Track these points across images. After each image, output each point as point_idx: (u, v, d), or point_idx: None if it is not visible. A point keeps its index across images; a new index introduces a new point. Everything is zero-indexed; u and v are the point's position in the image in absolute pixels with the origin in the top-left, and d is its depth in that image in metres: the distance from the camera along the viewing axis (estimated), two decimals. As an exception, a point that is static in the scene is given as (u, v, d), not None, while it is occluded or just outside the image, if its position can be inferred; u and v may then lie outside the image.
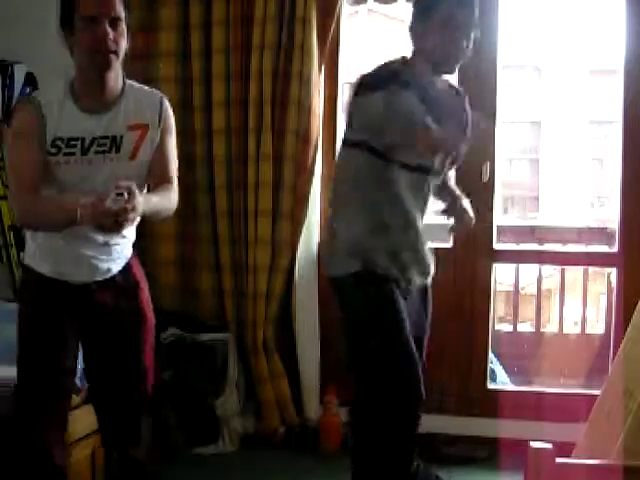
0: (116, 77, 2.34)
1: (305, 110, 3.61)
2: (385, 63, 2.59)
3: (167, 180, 2.45)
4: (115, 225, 2.17)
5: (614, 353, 3.37)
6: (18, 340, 2.49)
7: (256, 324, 3.71)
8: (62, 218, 2.25)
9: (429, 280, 2.74)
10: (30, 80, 3.78)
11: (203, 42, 3.69)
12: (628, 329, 2.98)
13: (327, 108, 3.81)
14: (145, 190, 2.42)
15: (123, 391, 2.54)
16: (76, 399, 2.82)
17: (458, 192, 2.76)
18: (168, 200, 2.43)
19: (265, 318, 3.71)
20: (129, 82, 2.41)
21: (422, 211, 2.65)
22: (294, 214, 3.68)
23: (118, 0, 2.28)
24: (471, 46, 2.55)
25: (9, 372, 2.90)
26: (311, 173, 3.69)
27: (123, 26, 2.29)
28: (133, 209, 2.16)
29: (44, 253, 2.43)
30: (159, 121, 2.41)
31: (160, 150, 2.42)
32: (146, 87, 2.48)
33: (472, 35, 2.54)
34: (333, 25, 3.64)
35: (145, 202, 2.25)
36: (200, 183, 3.74)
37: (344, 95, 3.90)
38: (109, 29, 2.25)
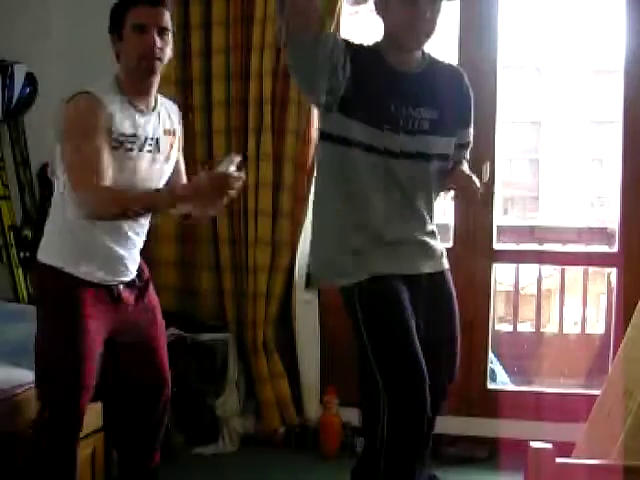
0: (157, 83, 2.51)
1: (305, 110, 3.61)
2: None
3: (182, 180, 2.67)
4: (221, 190, 2.39)
5: (614, 353, 3.37)
6: (44, 347, 2.48)
7: (256, 324, 3.71)
8: (148, 202, 2.42)
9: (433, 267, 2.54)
10: (30, 80, 3.78)
11: (203, 42, 3.69)
12: (628, 329, 2.98)
13: (327, 108, 3.81)
14: None
15: (143, 397, 2.62)
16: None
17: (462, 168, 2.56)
18: None
19: (265, 318, 3.71)
20: (158, 94, 2.58)
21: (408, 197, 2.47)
22: (294, 214, 3.68)
23: (167, 12, 2.45)
24: (437, 18, 2.39)
25: (9, 372, 2.92)
26: (311, 173, 3.68)
27: (169, 36, 2.46)
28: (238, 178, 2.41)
29: (79, 249, 2.46)
30: (180, 129, 2.64)
31: (179, 155, 2.65)
32: (166, 96, 2.67)
33: (437, 6, 2.37)
34: (333, 25, 3.64)
35: None
36: (200, 183, 3.74)
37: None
38: (157, 38, 2.40)
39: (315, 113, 3.63)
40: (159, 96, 2.57)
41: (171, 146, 2.57)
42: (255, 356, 3.72)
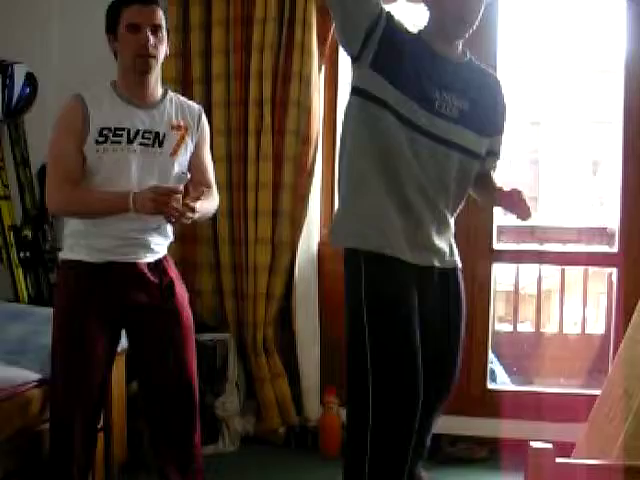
0: (156, 80, 2.57)
1: (305, 110, 3.61)
2: None
3: (208, 184, 2.69)
4: (170, 208, 2.35)
5: (614, 353, 3.37)
6: (55, 340, 2.59)
7: (256, 324, 3.71)
8: (108, 205, 2.44)
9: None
10: (30, 80, 3.78)
11: (203, 42, 3.70)
12: (628, 329, 2.98)
13: (327, 108, 3.82)
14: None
15: (168, 399, 2.62)
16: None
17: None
18: (210, 203, 2.65)
19: (265, 318, 3.71)
20: (172, 93, 2.66)
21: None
22: (294, 214, 3.68)
23: (159, 10, 2.49)
24: (481, 10, 2.38)
25: (9, 372, 2.92)
26: (311, 173, 3.69)
27: (163, 33, 2.51)
28: (196, 198, 2.41)
29: (89, 231, 2.52)
30: (197, 129, 2.64)
31: (199, 158, 2.67)
32: (186, 98, 2.73)
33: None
34: (333, 25, 3.64)
35: (200, 204, 2.47)
36: (200, 183, 3.74)
37: (344, 95, 3.90)
38: (150, 36, 2.46)
39: (315, 113, 3.64)
40: (174, 95, 2.64)
41: (179, 142, 2.58)
42: (255, 356, 3.72)
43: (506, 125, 2.58)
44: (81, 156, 2.47)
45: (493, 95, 2.53)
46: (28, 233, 3.81)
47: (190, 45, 3.70)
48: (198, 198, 2.43)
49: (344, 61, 3.88)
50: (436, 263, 2.43)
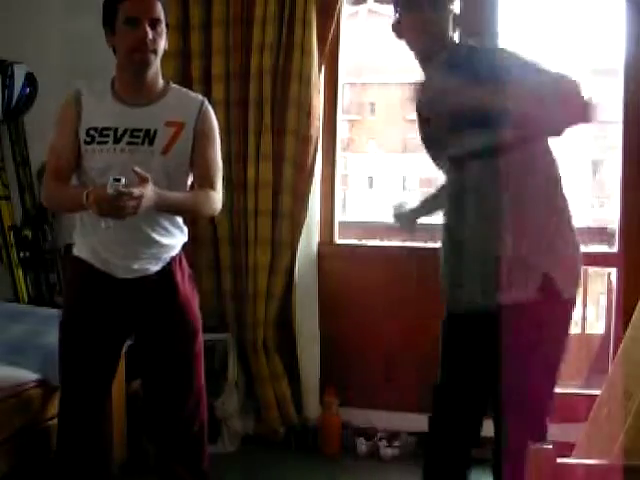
0: (155, 75, 2.49)
1: (305, 110, 3.61)
2: None
3: (208, 183, 2.52)
4: (113, 210, 2.24)
5: (614, 353, 3.36)
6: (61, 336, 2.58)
7: (256, 324, 3.71)
8: (74, 203, 2.37)
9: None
10: (30, 80, 3.78)
11: (203, 42, 3.69)
12: (628, 329, 2.98)
13: (327, 108, 3.82)
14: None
15: (171, 403, 2.60)
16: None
17: None
18: (203, 200, 2.51)
19: (265, 318, 3.71)
20: (175, 85, 2.58)
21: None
22: (294, 214, 3.68)
23: (158, 3, 2.43)
24: (438, 20, 2.33)
25: (9, 372, 2.92)
26: (311, 173, 3.69)
27: (162, 27, 2.43)
28: (131, 195, 2.22)
29: (88, 234, 2.50)
30: (196, 122, 2.50)
31: (200, 154, 2.51)
32: (191, 92, 2.66)
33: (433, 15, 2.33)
34: (333, 25, 3.64)
35: (159, 196, 2.32)
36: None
37: (344, 95, 3.90)
38: (149, 30, 2.38)
39: (315, 113, 3.64)
40: (176, 89, 2.56)
41: (173, 138, 2.46)
42: (255, 356, 3.72)
43: None
44: (72, 152, 2.45)
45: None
46: (28, 233, 3.82)
47: (190, 45, 3.70)
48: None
49: (344, 61, 3.89)
50: None
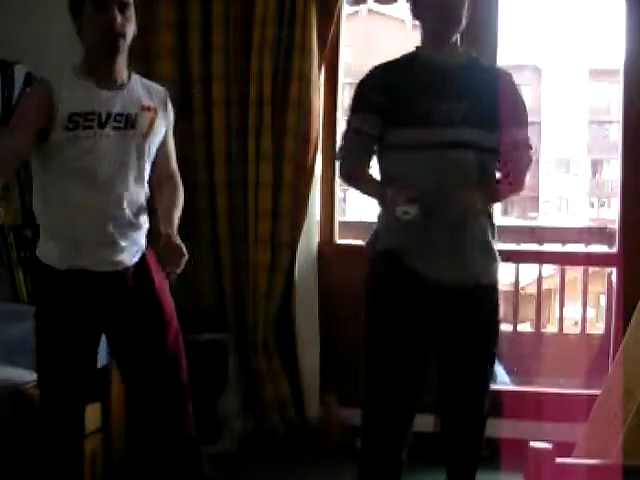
0: (124, 61, 2.46)
1: (305, 110, 3.61)
2: None
3: (172, 173, 2.60)
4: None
5: (614, 353, 3.37)
6: (36, 342, 2.51)
7: (256, 324, 3.71)
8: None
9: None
10: (30, 80, 3.77)
11: (203, 42, 3.69)
12: (628, 329, 2.99)
13: (327, 108, 3.81)
14: (147, 189, 2.53)
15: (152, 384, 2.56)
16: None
17: None
18: (179, 204, 2.57)
19: (265, 318, 3.71)
20: (135, 74, 2.54)
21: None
22: (294, 214, 3.68)
23: None
24: (461, 10, 2.53)
25: (9, 372, 2.92)
26: (311, 173, 3.69)
27: (131, 11, 2.40)
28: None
29: (57, 233, 2.45)
30: (165, 111, 2.55)
31: (165, 143, 2.56)
32: (151, 81, 2.61)
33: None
34: (333, 25, 3.64)
35: (173, 232, 2.43)
36: (200, 183, 3.73)
37: (344, 95, 3.90)
38: (118, 14, 2.35)
39: (315, 113, 3.64)
40: (134, 74, 2.52)
41: (151, 122, 2.48)
42: (255, 356, 3.72)
43: (522, 115, 2.66)
44: (30, 140, 2.36)
45: (501, 90, 2.59)
46: (28, 233, 3.81)
47: (189, 45, 3.70)
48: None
49: (344, 61, 3.89)
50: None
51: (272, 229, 3.68)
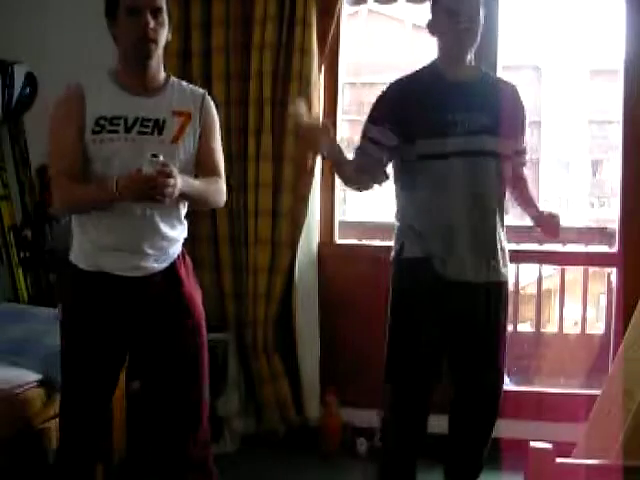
0: (157, 65, 2.46)
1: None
2: None
3: (216, 174, 2.56)
4: (152, 191, 2.24)
5: (614, 353, 3.37)
6: (62, 349, 2.52)
7: (256, 324, 3.71)
8: (101, 196, 2.34)
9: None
10: (30, 80, 3.78)
11: (203, 42, 3.69)
12: (628, 329, 2.98)
13: (327, 108, 3.81)
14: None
15: (173, 403, 2.53)
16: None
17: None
18: (215, 188, 2.54)
19: (265, 318, 3.71)
20: (175, 78, 2.54)
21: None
22: (294, 214, 3.68)
23: None
24: (478, 29, 2.72)
25: (9, 372, 2.92)
26: (311, 173, 3.69)
27: (164, 16, 2.40)
28: (170, 174, 2.24)
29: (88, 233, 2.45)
30: (200, 113, 2.51)
31: (207, 144, 2.52)
32: (191, 85, 2.62)
33: (477, 19, 2.71)
34: (333, 25, 3.64)
35: (184, 181, 2.33)
36: (200, 183, 3.73)
37: (344, 95, 3.90)
38: (150, 19, 2.35)
39: (315, 113, 3.64)
40: (177, 81, 2.53)
41: (182, 128, 2.46)
42: (255, 356, 3.72)
43: (524, 124, 2.94)
44: (79, 149, 2.38)
45: (510, 101, 2.85)
46: (28, 233, 3.81)
47: (190, 44, 3.70)
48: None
49: (344, 61, 3.89)
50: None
51: (272, 229, 3.68)
